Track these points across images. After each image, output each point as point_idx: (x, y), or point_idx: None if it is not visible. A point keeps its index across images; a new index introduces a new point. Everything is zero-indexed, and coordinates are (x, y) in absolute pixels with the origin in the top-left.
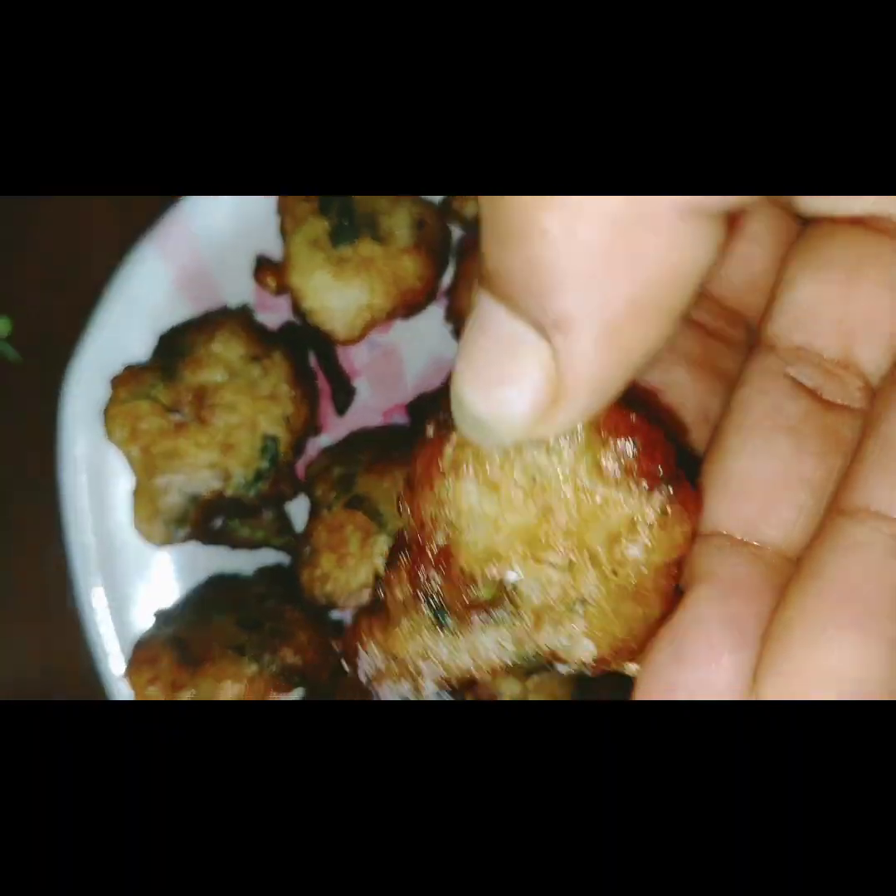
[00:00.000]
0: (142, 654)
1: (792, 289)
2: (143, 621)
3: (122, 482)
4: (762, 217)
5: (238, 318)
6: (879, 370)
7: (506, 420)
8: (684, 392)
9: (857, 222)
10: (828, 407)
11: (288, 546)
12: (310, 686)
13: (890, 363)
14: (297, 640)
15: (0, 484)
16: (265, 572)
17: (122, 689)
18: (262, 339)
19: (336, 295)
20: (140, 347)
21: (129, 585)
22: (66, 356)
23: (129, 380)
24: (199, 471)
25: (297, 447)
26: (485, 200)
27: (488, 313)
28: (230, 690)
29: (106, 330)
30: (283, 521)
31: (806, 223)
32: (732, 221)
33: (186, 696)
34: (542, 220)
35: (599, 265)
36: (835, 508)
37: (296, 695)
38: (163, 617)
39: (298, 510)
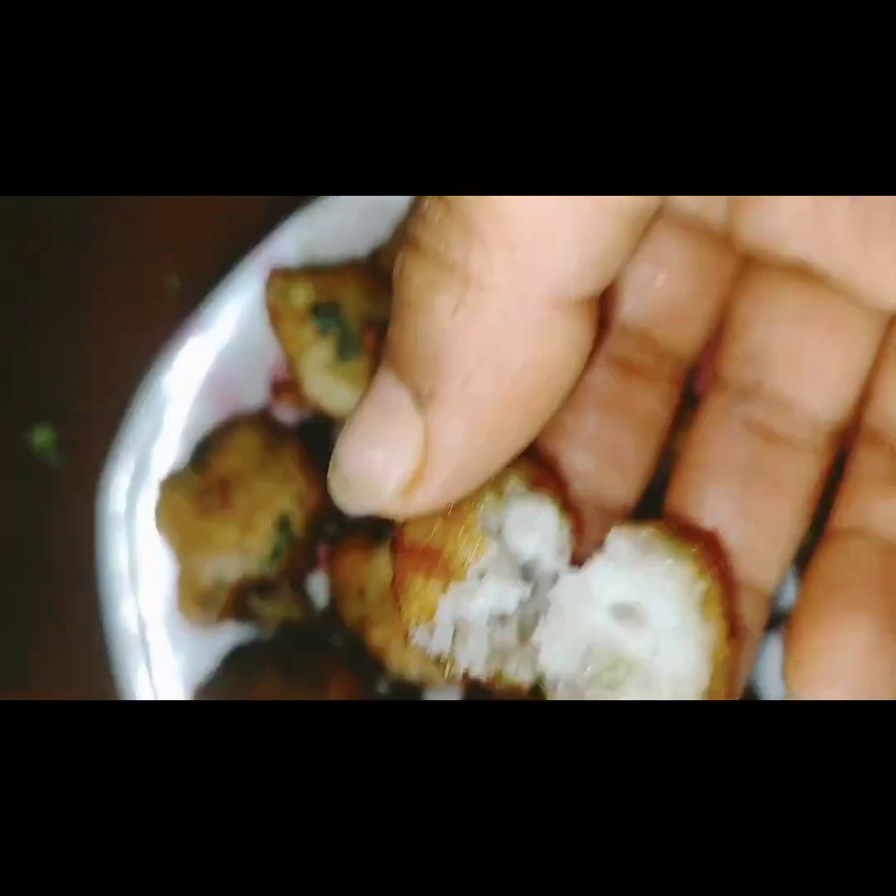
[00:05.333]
0: None
1: (745, 332)
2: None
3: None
4: (690, 251)
5: (255, 418)
6: (825, 412)
7: (371, 484)
8: (592, 435)
9: (797, 269)
10: (775, 442)
11: (308, 622)
12: None
13: (835, 406)
14: (336, 681)
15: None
16: (289, 632)
17: None
18: (277, 432)
19: (352, 397)
20: (168, 448)
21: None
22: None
23: (170, 480)
24: (225, 551)
25: (313, 526)
26: (396, 271)
27: (381, 378)
28: None
29: (137, 436)
30: (303, 597)
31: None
32: (597, 317)
33: None
34: (433, 299)
35: (473, 353)
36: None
37: None
38: (204, 689)
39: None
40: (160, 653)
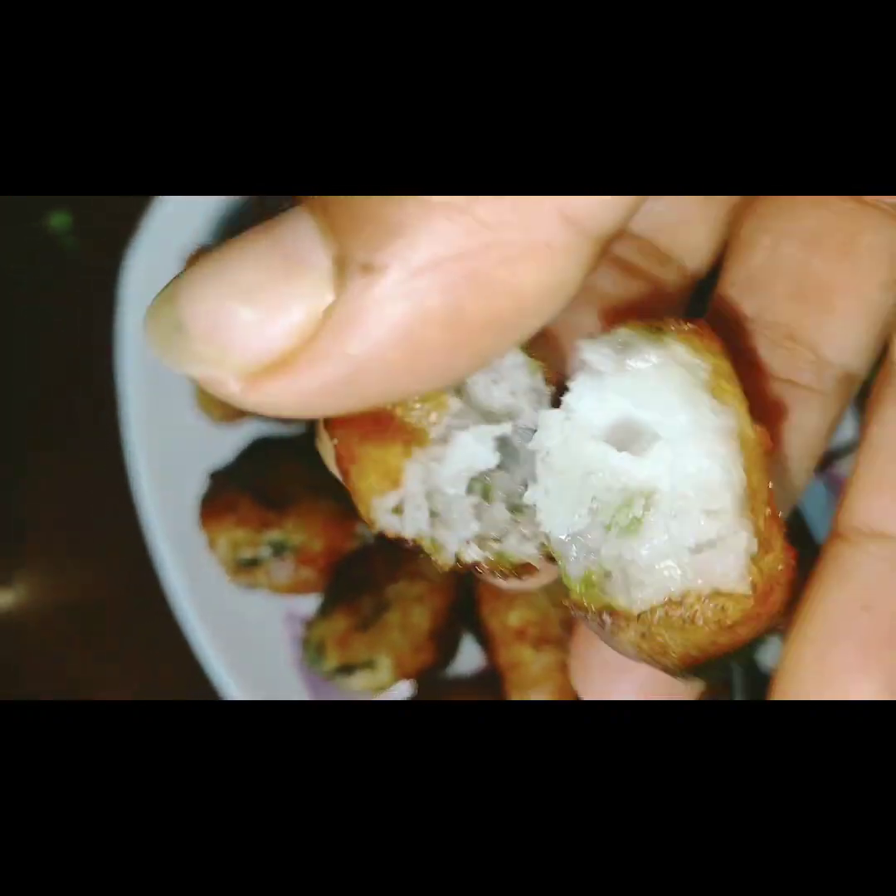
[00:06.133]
0: (216, 504)
1: (748, 253)
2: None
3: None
4: None
5: None
6: (834, 353)
7: (219, 346)
8: (591, 329)
9: None
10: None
11: None
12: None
13: (846, 347)
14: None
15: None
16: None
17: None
18: None
19: None
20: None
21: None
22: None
23: (198, 257)
24: None
25: None
26: None
27: (293, 221)
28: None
29: (166, 214)
30: None
31: None
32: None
33: (275, 534)
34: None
35: (456, 241)
36: (833, 532)
37: (366, 534)
38: (222, 475)
39: None
40: (176, 447)
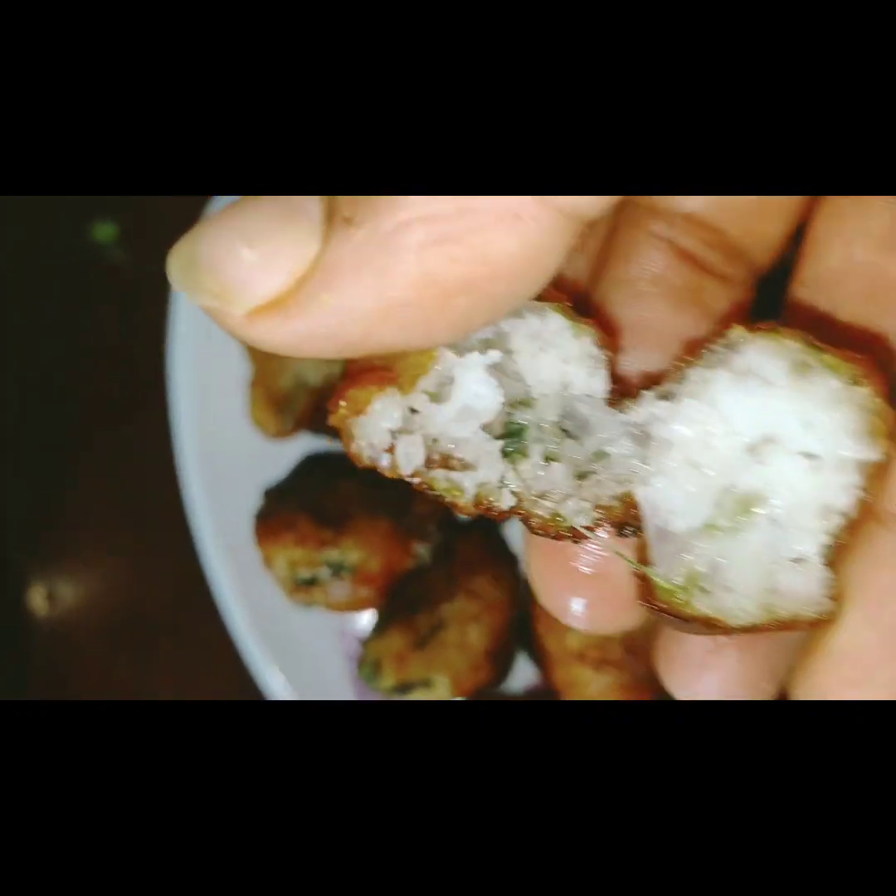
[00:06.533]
0: (274, 523)
1: (821, 253)
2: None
3: (233, 381)
4: None
5: None
6: None
7: (226, 284)
8: (663, 323)
9: None
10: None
11: None
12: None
13: None
14: (424, 494)
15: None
16: None
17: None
18: None
19: None
20: None
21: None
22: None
23: None
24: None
25: None
26: None
27: None
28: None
29: None
30: None
31: None
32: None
33: (333, 553)
34: None
35: (435, 202)
36: (870, 513)
37: (423, 552)
38: (277, 491)
39: None
40: (229, 461)
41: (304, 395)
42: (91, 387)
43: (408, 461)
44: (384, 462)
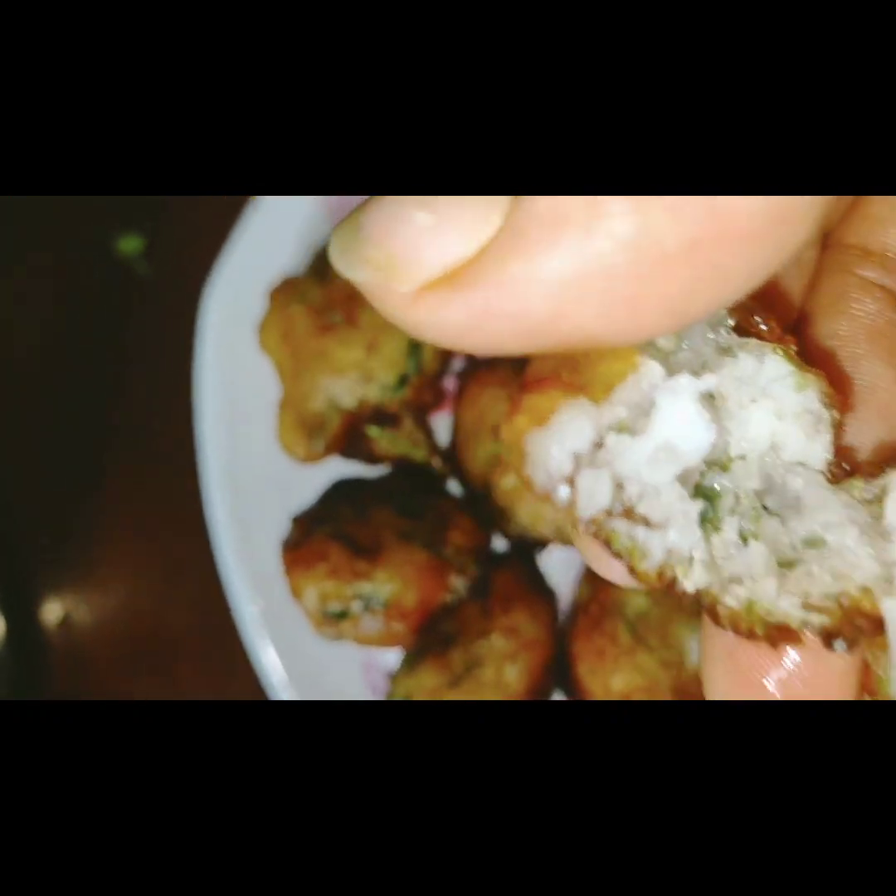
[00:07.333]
0: (305, 552)
1: None
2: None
3: (261, 401)
4: None
5: None
6: None
7: (393, 252)
8: (888, 388)
9: None
10: None
11: (427, 462)
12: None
13: None
14: (457, 524)
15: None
16: (400, 471)
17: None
18: None
19: None
20: (283, 260)
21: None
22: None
23: (285, 289)
24: (344, 373)
25: (444, 358)
26: None
27: None
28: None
29: (249, 243)
30: (426, 435)
31: None
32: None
33: (366, 586)
34: None
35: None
36: None
37: (460, 586)
38: (307, 518)
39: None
40: (255, 487)
41: (337, 418)
42: (115, 405)
43: (590, 501)
44: (562, 493)
